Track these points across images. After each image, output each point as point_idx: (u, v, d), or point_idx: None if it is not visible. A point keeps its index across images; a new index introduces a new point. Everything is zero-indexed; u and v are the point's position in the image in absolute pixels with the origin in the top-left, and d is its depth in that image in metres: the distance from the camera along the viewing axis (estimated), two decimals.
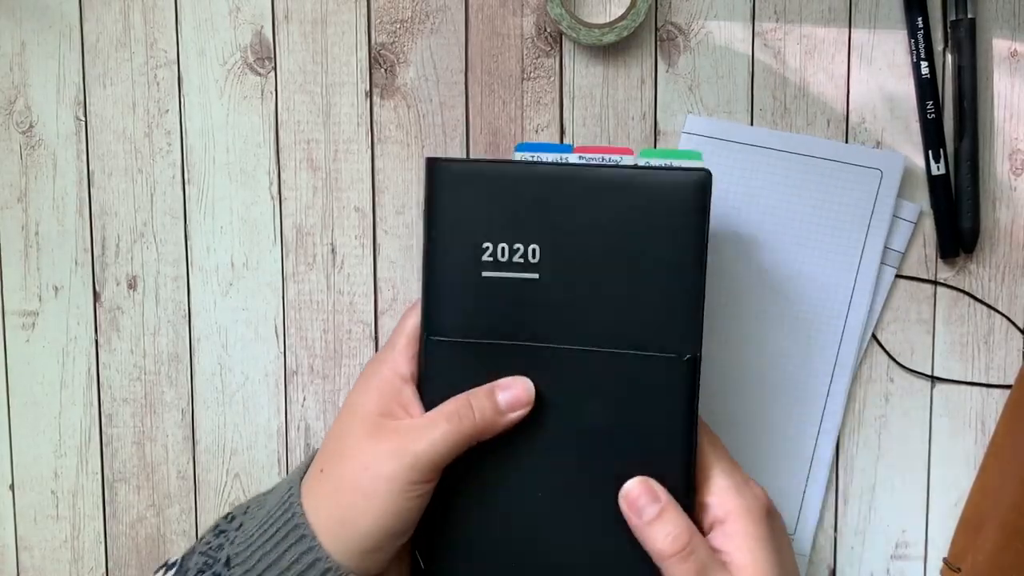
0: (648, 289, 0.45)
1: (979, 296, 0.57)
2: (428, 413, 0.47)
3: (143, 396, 0.58)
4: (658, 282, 0.44)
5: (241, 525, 0.48)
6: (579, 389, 0.45)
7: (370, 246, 0.57)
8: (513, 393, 0.47)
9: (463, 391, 0.46)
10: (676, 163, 0.45)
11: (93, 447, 0.58)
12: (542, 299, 0.45)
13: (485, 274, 0.45)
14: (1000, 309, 0.57)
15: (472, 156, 0.56)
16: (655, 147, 0.56)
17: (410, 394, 0.48)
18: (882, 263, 0.56)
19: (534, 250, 0.45)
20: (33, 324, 0.57)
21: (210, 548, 0.48)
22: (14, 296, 0.57)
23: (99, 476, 0.58)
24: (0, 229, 0.57)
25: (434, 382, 0.47)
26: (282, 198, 0.57)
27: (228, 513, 0.50)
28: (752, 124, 0.56)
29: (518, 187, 0.45)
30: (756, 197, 0.55)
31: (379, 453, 0.46)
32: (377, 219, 0.57)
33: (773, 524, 0.47)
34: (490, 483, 0.46)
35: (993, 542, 0.55)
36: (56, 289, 0.57)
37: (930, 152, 0.56)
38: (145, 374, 0.57)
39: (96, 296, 0.57)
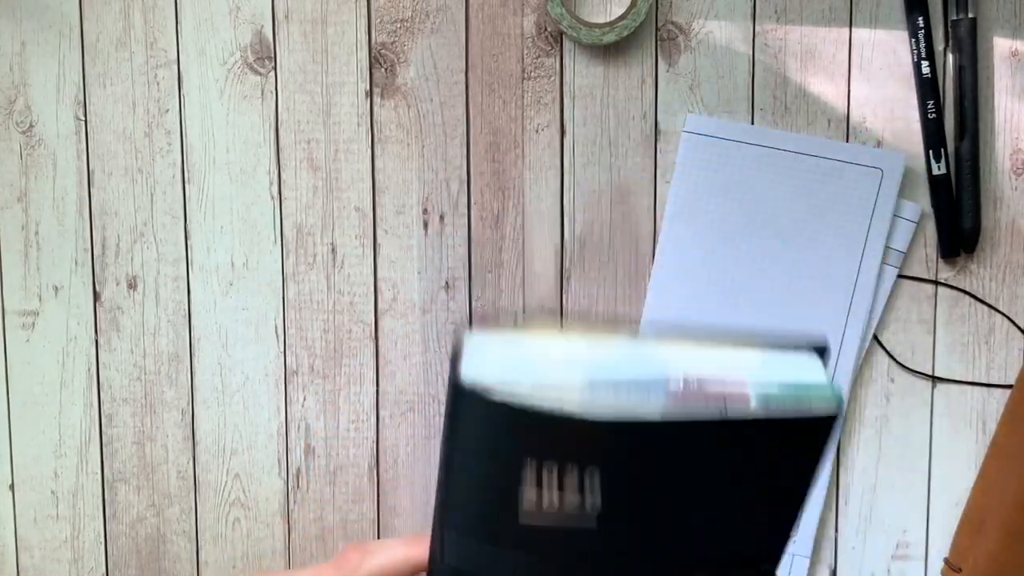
0: (736, 519, 0.36)
1: (980, 296, 0.57)
2: None
3: (143, 396, 0.58)
4: (751, 511, 0.36)
5: None
6: None
7: (370, 246, 0.57)
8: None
9: None
10: (803, 405, 0.34)
11: (93, 447, 0.58)
12: (598, 548, 0.35)
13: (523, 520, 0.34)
14: (1001, 309, 0.57)
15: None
16: (656, 148, 0.56)
17: None
18: (884, 263, 0.56)
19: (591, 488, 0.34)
20: (33, 324, 0.57)
21: None
22: (14, 296, 0.57)
23: (99, 476, 0.58)
24: (0, 229, 0.57)
25: None
26: (282, 198, 0.57)
27: None
28: (753, 124, 0.56)
29: (586, 437, 0.33)
30: (757, 196, 0.55)
31: None
32: (377, 219, 0.57)
33: None
34: None
35: (994, 542, 0.55)
36: (56, 289, 0.57)
37: (931, 152, 0.56)
38: (145, 374, 0.57)
39: (96, 296, 0.57)
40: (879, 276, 0.56)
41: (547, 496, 0.34)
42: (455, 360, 0.32)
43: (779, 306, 0.56)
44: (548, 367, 0.33)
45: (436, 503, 0.35)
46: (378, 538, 0.58)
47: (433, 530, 0.36)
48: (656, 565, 0.36)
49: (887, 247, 0.56)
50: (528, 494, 0.34)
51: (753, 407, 0.33)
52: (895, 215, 0.56)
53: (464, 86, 0.56)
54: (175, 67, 0.56)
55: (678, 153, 0.56)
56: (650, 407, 0.33)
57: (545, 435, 0.33)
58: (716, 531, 0.36)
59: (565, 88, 0.56)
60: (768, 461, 0.35)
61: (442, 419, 0.58)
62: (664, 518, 0.35)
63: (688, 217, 0.56)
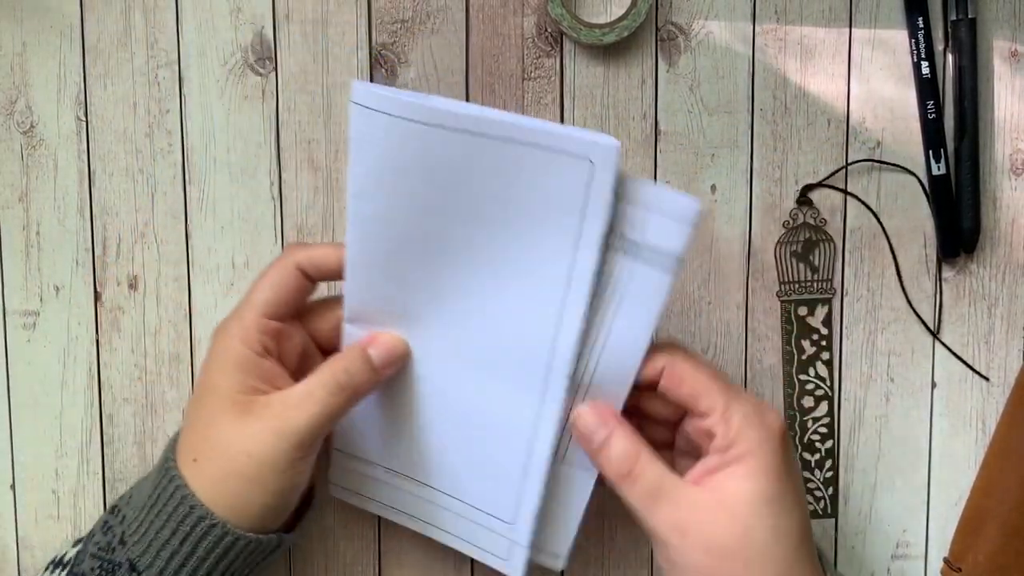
0: None
1: (980, 296, 0.57)
2: (303, 384, 0.46)
3: (144, 396, 0.58)
4: None
5: (124, 518, 0.48)
6: None
7: None
8: (386, 347, 0.47)
9: None
10: None
11: (94, 447, 0.58)
12: None
13: None
14: (1000, 309, 0.57)
15: None
16: (656, 148, 0.56)
17: (271, 367, 0.47)
18: (622, 254, 0.44)
19: None
20: (34, 324, 0.57)
21: (100, 549, 0.47)
22: (15, 296, 0.57)
23: (100, 476, 0.58)
24: (1, 229, 0.57)
25: None
26: (283, 198, 0.57)
27: (113, 506, 0.50)
28: (752, 123, 0.56)
29: None
30: (444, 178, 0.44)
31: (257, 435, 0.45)
32: None
33: (784, 455, 0.44)
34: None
35: (994, 542, 0.55)
36: (57, 289, 0.57)
37: (930, 152, 0.56)
38: (146, 374, 0.58)
39: (97, 296, 0.57)
40: (602, 267, 0.44)
41: None
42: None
43: (488, 297, 0.46)
44: None
45: None
46: (379, 545, 0.58)
47: None
48: None
49: (629, 239, 0.44)
50: None
51: None
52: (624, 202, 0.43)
53: (464, 86, 0.56)
54: (176, 67, 0.56)
55: (349, 127, 0.44)
56: None
57: None
58: None
59: (565, 88, 0.56)
60: None
61: None
62: None
63: (373, 195, 0.45)
